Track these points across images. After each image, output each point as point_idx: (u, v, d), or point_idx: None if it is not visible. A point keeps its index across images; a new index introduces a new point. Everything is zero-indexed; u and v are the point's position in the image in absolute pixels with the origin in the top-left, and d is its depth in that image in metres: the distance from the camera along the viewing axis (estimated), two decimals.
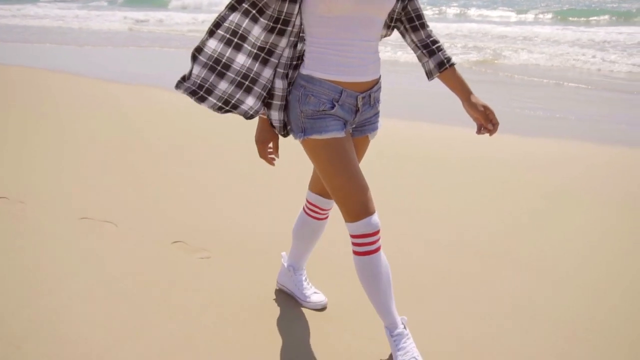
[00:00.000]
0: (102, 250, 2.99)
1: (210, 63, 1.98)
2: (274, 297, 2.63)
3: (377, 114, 2.19)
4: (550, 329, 2.42)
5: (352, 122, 2.08)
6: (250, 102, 2.02)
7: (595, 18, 18.59)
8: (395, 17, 2.09)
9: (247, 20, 1.93)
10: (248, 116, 2.06)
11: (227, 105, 2.02)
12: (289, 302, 2.59)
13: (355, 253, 2.06)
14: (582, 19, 18.66)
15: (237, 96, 2.00)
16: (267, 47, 1.95)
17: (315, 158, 2.04)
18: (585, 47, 11.56)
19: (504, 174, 4.38)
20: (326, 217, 2.42)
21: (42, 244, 3.04)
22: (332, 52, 1.95)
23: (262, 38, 1.93)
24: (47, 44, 12.38)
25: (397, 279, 2.70)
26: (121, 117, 5.89)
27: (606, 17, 18.70)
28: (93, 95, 6.93)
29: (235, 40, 1.96)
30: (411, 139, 5.27)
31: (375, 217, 2.02)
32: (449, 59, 2.13)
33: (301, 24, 1.97)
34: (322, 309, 2.54)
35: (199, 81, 1.98)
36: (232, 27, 1.95)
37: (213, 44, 1.97)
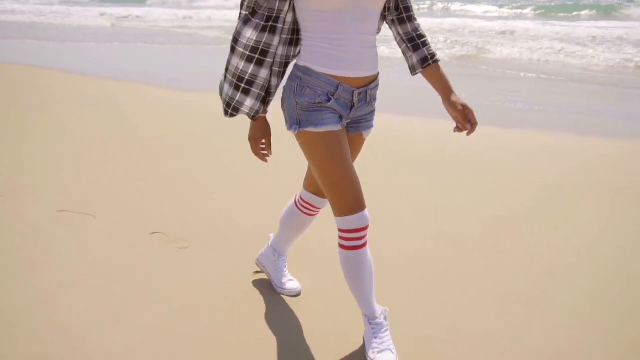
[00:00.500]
0: (80, 241, 3.00)
1: (231, 78, 2.05)
2: (252, 284, 2.65)
3: (372, 111, 2.15)
4: (547, 324, 2.40)
5: (346, 117, 2.06)
6: (249, 103, 2.04)
7: (577, 13, 18.76)
8: (386, 5, 2.04)
9: (241, 24, 1.96)
10: (251, 117, 2.09)
11: (229, 108, 2.07)
12: (265, 289, 2.62)
13: (343, 247, 2.05)
14: (563, 14, 18.82)
15: (237, 98, 2.04)
16: (261, 47, 1.95)
17: (309, 151, 2.02)
18: (565, 41, 11.67)
19: (497, 168, 4.40)
20: (317, 214, 2.43)
21: (20, 235, 3.04)
22: (328, 47, 1.94)
23: (254, 38, 1.94)
24: (27, 40, 12.23)
25: (393, 274, 2.76)
26: (98, 110, 5.85)
27: (588, 11, 18.89)
28: (63, 87, 6.88)
29: (244, 51, 1.99)
30: (402, 134, 5.29)
31: (367, 212, 2.02)
32: (432, 55, 2.09)
33: (294, 20, 1.97)
34: (296, 295, 2.57)
35: (228, 99, 2.08)
36: (239, 40, 1.99)
37: (235, 61, 2.01)
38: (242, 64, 1.98)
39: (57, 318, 2.32)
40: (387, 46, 9.80)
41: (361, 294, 2.11)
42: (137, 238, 3.06)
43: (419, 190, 3.90)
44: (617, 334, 2.35)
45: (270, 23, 1.92)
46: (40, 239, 3.01)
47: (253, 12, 1.93)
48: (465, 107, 2.06)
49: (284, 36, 1.97)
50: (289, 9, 1.93)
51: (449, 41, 12.21)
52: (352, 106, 2.03)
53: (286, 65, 2.06)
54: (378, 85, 2.10)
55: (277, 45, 1.97)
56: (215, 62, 8.96)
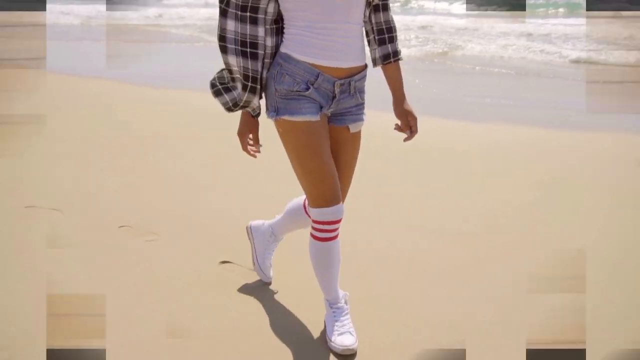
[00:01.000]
0: (47, 236, 2.96)
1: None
2: (219, 275, 2.67)
3: (359, 105, 2.11)
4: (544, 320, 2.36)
5: (328, 107, 2.03)
6: (256, 101, 2.06)
7: (543, 10, 19.06)
8: None
9: (221, 19, 1.96)
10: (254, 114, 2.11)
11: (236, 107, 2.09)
12: (236, 276, 2.64)
13: (315, 238, 2.07)
14: (531, 11, 19.08)
15: (244, 98, 2.04)
16: (248, 40, 1.94)
17: (286, 140, 2.01)
18: (532, 39, 11.87)
19: (489, 163, 4.35)
20: None
21: None
22: (310, 36, 1.92)
23: (239, 31, 1.94)
24: None
25: (390, 269, 2.74)
26: (66, 105, 5.77)
27: (555, 9, 19.21)
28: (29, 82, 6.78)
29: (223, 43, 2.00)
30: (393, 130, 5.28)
31: (342, 206, 2.04)
32: (395, 53, 2.08)
33: (276, 11, 1.95)
34: (267, 284, 2.60)
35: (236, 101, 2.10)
36: (220, 33, 1.99)
37: (232, 60, 2.01)
38: (240, 61, 1.97)
39: (21, 310, 2.31)
40: None
41: (327, 282, 2.15)
42: (104, 231, 3.04)
43: (414, 184, 3.89)
44: (615, 328, 2.31)
45: (248, 13, 1.92)
46: (5, 235, 2.98)
47: (227, 3, 1.94)
48: (409, 114, 2.13)
49: (267, 26, 1.96)
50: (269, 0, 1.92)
51: (420, 38, 12.31)
52: (334, 97, 2.01)
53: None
54: (365, 77, 2.08)
55: (263, 36, 1.95)
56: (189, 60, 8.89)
